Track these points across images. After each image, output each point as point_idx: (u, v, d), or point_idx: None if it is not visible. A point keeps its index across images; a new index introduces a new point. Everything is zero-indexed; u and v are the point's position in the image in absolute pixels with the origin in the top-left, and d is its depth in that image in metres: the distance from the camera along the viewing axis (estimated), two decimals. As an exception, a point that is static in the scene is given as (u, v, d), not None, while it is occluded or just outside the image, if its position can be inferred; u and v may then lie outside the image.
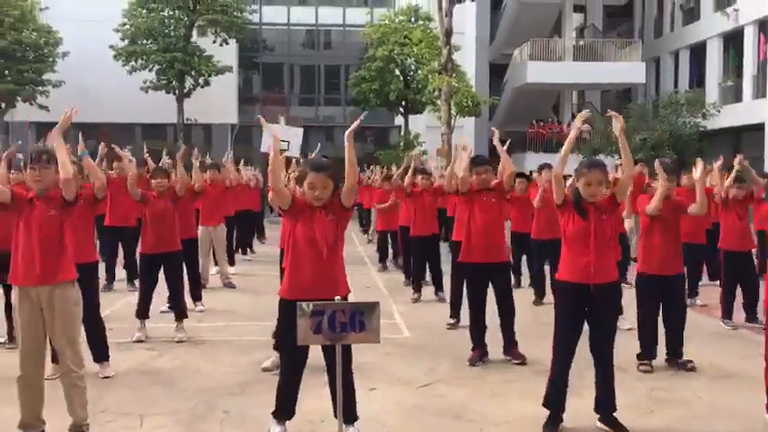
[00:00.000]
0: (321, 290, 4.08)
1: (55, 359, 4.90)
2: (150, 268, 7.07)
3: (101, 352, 5.80)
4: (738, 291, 7.68)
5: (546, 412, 4.63)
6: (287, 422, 4.43)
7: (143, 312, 7.04)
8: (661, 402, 5.22)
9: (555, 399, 4.60)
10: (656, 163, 5.96)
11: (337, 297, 3.83)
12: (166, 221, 7.05)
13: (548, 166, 8.86)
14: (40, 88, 26.10)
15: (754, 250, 8.29)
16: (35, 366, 4.24)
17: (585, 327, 4.64)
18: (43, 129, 30.11)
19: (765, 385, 4.71)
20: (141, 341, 6.89)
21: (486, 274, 6.22)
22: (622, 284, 5.16)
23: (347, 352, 4.21)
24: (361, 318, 3.04)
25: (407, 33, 24.07)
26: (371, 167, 15.13)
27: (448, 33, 18.56)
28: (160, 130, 31.67)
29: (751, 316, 7.68)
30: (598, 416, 4.65)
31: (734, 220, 7.63)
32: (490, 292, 6.29)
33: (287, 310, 4.25)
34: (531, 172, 12.92)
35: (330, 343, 3.18)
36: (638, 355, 6.02)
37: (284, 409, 4.40)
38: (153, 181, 7.25)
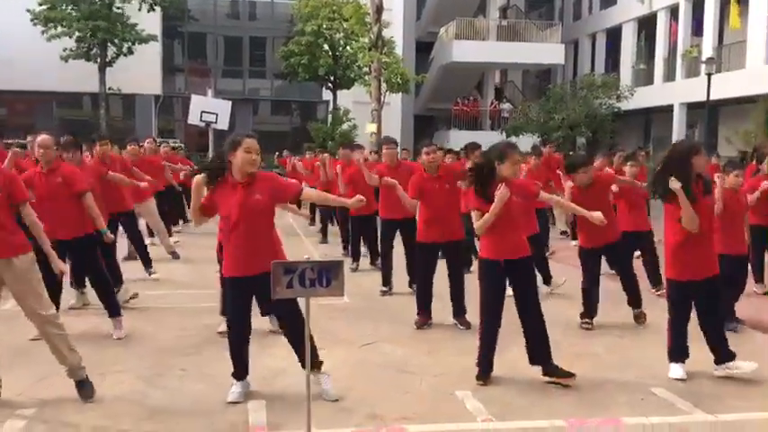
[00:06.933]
0: (260, 265, 4.35)
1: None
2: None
3: (112, 308, 6.26)
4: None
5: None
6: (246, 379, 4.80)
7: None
8: (576, 356, 5.84)
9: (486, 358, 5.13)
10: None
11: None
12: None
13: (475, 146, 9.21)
14: (-51, 54, 24.96)
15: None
16: None
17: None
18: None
19: (668, 336, 5.39)
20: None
21: (440, 251, 6.68)
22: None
23: (299, 313, 4.61)
24: (328, 275, 3.43)
25: (338, 8, 24.14)
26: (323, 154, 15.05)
27: (378, 10, 18.85)
28: (77, 99, 30.73)
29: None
30: (542, 372, 5.12)
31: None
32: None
33: (228, 286, 4.70)
34: (460, 150, 13.40)
35: (302, 296, 3.56)
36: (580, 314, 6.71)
37: (239, 370, 4.79)
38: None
